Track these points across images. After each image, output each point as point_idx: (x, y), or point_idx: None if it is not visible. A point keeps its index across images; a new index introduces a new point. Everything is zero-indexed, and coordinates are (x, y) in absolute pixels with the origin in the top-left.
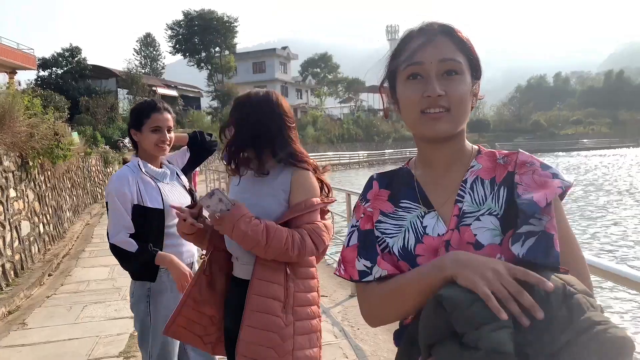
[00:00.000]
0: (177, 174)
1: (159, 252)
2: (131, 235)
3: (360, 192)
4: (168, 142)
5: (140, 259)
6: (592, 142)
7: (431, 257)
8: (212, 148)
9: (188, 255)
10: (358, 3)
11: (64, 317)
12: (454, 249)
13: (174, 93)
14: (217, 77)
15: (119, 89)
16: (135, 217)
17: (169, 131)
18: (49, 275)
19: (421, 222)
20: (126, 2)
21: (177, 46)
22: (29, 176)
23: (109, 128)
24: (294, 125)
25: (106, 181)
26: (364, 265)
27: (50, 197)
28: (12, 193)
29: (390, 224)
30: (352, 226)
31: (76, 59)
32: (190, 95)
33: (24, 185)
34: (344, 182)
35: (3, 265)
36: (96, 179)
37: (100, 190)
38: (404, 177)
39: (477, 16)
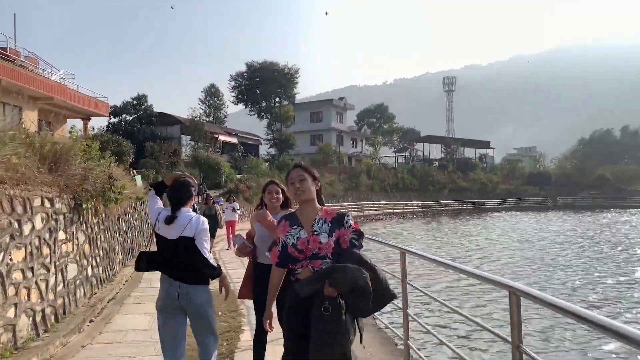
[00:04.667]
0: None
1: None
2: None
3: (412, 249)
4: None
5: (217, 272)
6: None
7: (302, 245)
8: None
9: None
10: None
11: None
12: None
13: (234, 140)
14: (276, 125)
15: (182, 135)
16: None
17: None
18: (90, 321)
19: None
20: (191, 54)
21: (240, 96)
22: (81, 218)
23: (170, 172)
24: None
25: None
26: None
27: (102, 239)
28: (61, 235)
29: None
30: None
31: (143, 106)
32: (250, 142)
33: (75, 228)
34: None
35: (43, 310)
36: None
37: None
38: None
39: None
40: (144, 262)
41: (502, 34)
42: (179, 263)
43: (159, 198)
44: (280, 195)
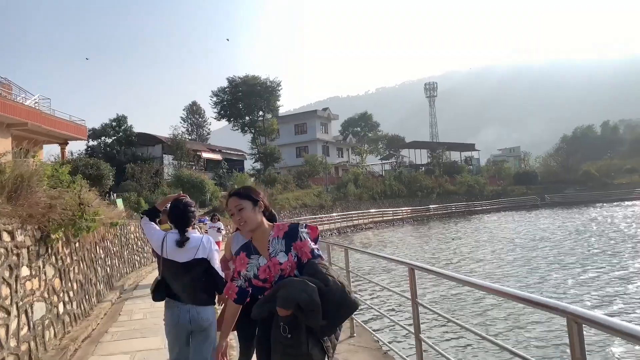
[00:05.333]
0: None
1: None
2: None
3: (423, 265)
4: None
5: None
6: None
7: (264, 274)
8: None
9: None
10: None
11: None
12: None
13: (218, 157)
14: (260, 139)
15: (164, 155)
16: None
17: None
18: None
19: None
20: (171, 72)
21: (222, 112)
22: (49, 250)
23: (153, 194)
24: None
25: (146, 248)
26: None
27: (76, 270)
28: (25, 272)
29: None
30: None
31: (122, 127)
32: (234, 158)
33: (42, 261)
34: (400, 248)
35: None
36: (134, 246)
37: (138, 258)
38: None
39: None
40: (163, 292)
41: (478, 41)
42: (192, 285)
43: (154, 223)
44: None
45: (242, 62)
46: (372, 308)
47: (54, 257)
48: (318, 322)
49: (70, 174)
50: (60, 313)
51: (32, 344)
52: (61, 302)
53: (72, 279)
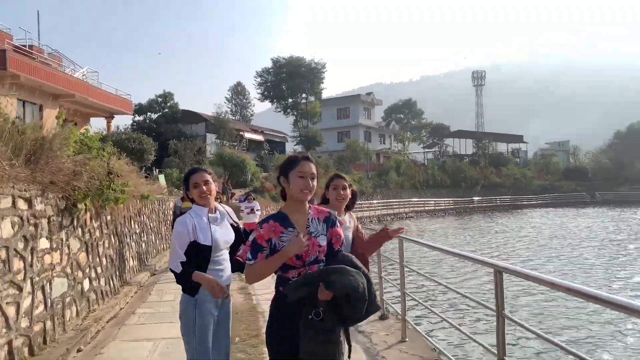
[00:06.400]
0: (228, 214)
1: (195, 271)
2: (185, 262)
3: (516, 268)
4: (208, 193)
5: (184, 276)
6: None
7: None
8: None
9: (226, 278)
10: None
11: None
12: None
13: (260, 138)
14: (302, 122)
15: (207, 133)
16: (190, 250)
17: (205, 184)
18: (78, 351)
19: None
20: (218, 50)
21: (266, 93)
22: (74, 222)
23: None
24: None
25: None
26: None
27: (106, 245)
28: (44, 244)
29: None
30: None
31: (168, 104)
32: (276, 140)
33: (66, 234)
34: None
35: (10, 343)
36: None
37: None
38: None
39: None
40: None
41: (528, 32)
42: None
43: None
44: (348, 192)
45: (287, 46)
46: (429, 310)
47: (80, 229)
48: (361, 314)
49: (101, 140)
50: (85, 290)
51: (49, 323)
52: (86, 279)
53: (100, 253)
